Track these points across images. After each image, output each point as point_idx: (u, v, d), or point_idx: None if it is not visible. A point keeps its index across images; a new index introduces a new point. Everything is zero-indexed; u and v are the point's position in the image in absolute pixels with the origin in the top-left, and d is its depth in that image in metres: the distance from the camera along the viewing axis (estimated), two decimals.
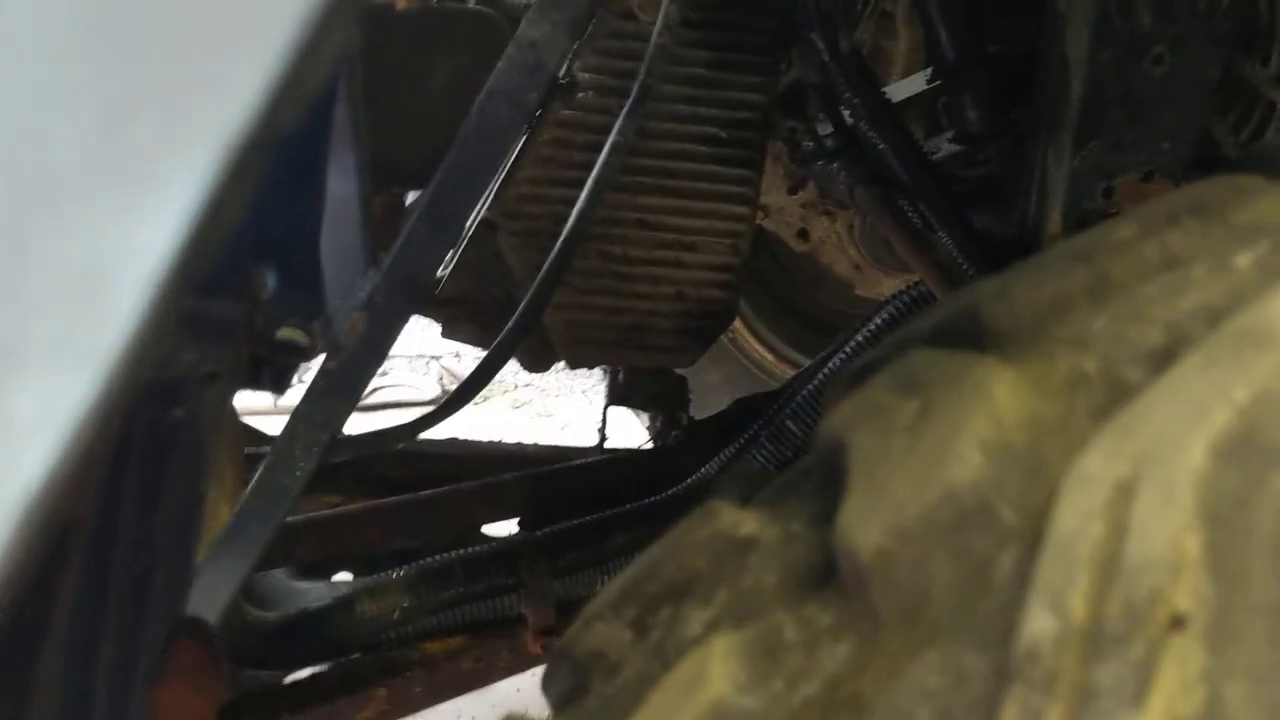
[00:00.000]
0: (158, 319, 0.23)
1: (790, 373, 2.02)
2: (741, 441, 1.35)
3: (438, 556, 1.25)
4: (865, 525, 0.34)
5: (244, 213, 0.24)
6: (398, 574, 1.22)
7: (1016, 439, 0.34)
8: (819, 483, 0.41)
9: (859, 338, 1.30)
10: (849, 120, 1.24)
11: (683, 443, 1.42)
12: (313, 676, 1.23)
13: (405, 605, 1.20)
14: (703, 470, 1.36)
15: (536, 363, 1.47)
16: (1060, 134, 1.01)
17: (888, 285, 1.89)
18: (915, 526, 0.33)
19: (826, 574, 0.37)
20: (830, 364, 1.31)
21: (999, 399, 0.35)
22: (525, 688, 1.92)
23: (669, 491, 1.35)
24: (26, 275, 0.23)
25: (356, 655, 1.22)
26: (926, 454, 0.35)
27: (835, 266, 1.93)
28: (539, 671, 1.30)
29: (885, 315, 1.29)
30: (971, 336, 0.41)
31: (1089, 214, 1.03)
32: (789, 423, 1.30)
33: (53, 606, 0.42)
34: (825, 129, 1.35)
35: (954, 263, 1.14)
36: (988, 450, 0.34)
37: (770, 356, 2.14)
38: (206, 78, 0.23)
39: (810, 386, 1.31)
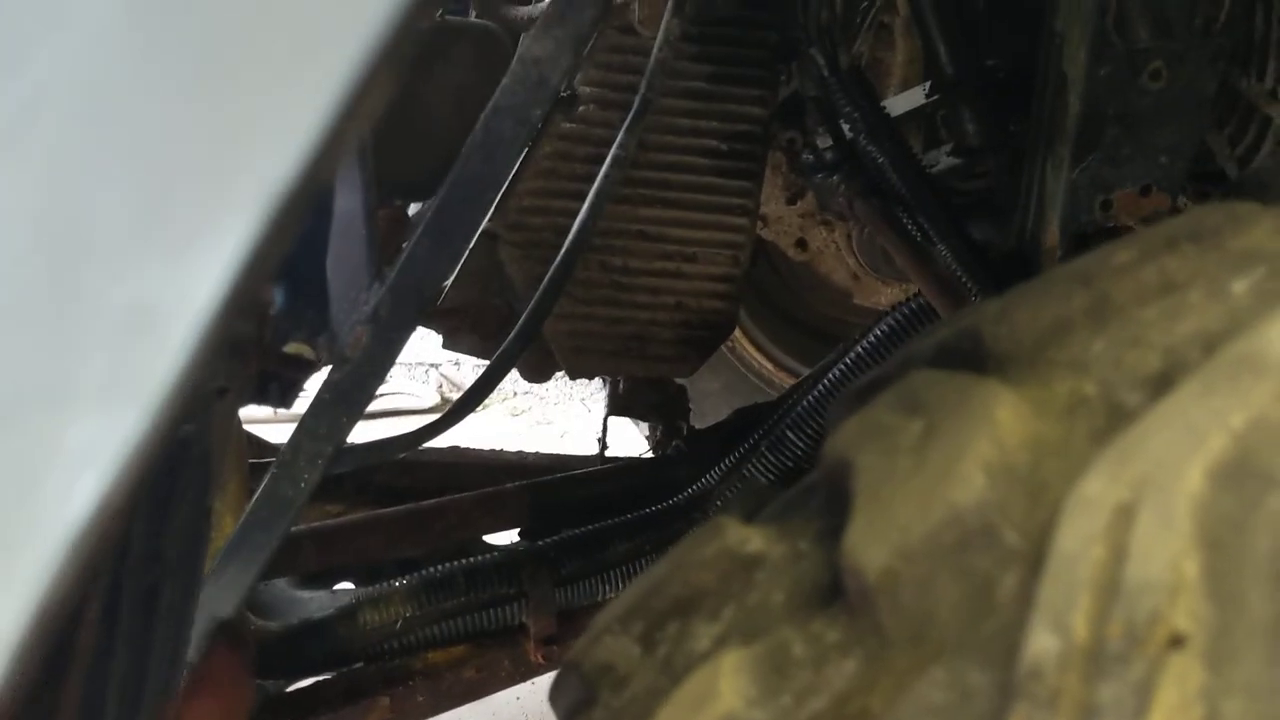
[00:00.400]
0: (205, 358, 0.24)
1: (789, 381, 2.02)
2: (741, 451, 1.36)
3: (440, 566, 1.26)
4: (871, 545, 0.35)
5: (286, 253, 0.25)
6: (400, 584, 1.23)
7: (1018, 461, 0.35)
8: (824, 501, 0.42)
9: (859, 349, 1.31)
10: (848, 134, 1.25)
11: (683, 452, 1.43)
12: (316, 686, 1.23)
13: (407, 615, 1.21)
14: (703, 480, 1.37)
15: (537, 373, 1.48)
16: (1058, 148, 1.02)
17: (886, 294, 1.90)
18: (920, 547, 0.34)
19: (833, 591, 0.38)
20: (830, 375, 1.32)
21: (1001, 421, 0.36)
22: (524, 696, 1.93)
23: (670, 501, 1.35)
24: (81, 314, 0.24)
25: (359, 665, 1.23)
26: (931, 475, 0.36)
27: (833, 276, 1.94)
28: (538, 681, 1.31)
29: (885, 327, 1.30)
30: (973, 358, 0.42)
31: (1087, 227, 1.04)
32: (789, 432, 1.31)
33: (79, 630, 0.43)
34: (824, 141, 1.36)
35: (953, 275, 1.15)
36: (990, 472, 0.35)
37: (769, 365, 2.15)
38: (259, 128, 0.24)
39: (810, 397, 1.32)
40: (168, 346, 0.24)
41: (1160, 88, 0.99)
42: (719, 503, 1.32)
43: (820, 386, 1.32)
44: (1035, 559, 0.32)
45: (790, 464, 1.29)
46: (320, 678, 1.24)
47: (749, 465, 1.33)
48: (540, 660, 1.25)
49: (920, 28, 1.23)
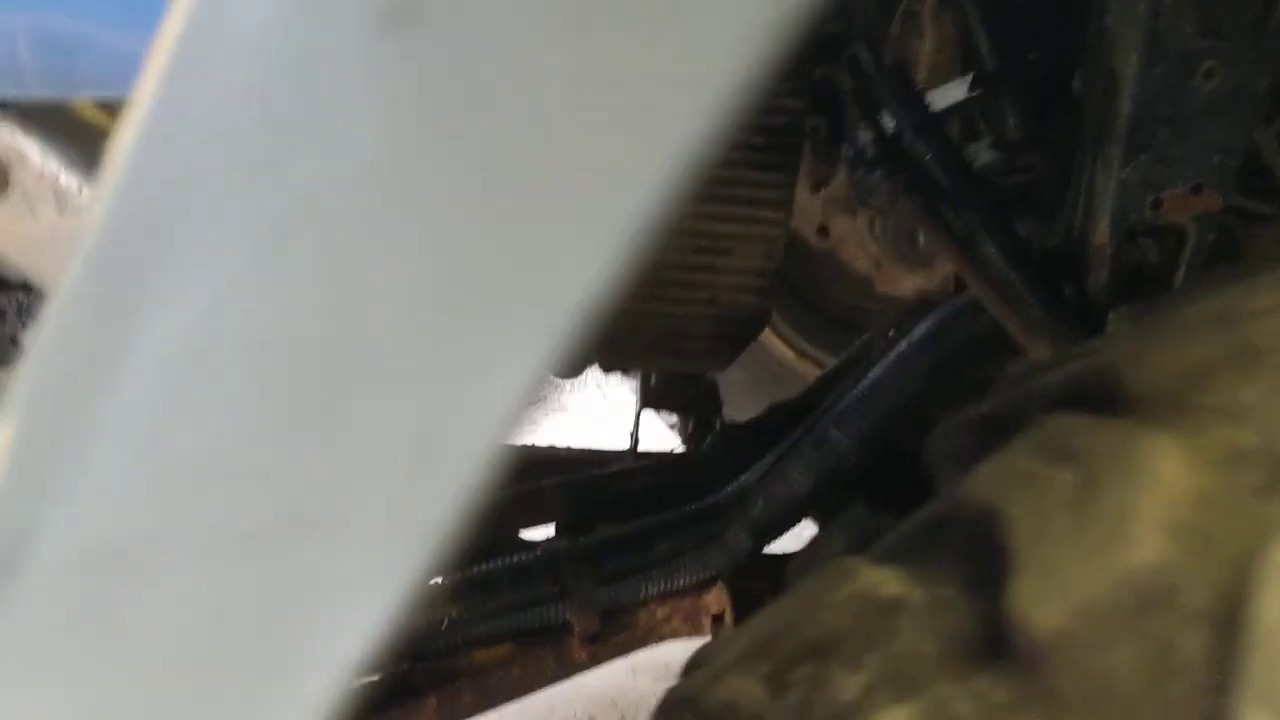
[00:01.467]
0: (476, 489, 0.24)
1: (811, 370, 2.02)
2: (784, 449, 1.35)
3: (483, 565, 1.25)
4: (1043, 604, 0.35)
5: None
6: (443, 582, 1.23)
7: (1187, 517, 0.35)
8: (964, 547, 0.42)
9: (903, 347, 1.30)
10: (891, 129, 1.24)
11: (719, 448, 1.43)
12: (363, 686, 1.23)
13: (454, 614, 1.21)
14: (743, 478, 1.36)
15: (570, 368, 1.48)
16: (1108, 147, 1.02)
17: (909, 282, 1.90)
18: (1096, 608, 0.34)
19: (988, 645, 0.38)
20: (874, 372, 1.31)
21: (1165, 476, 0.36)
22: (554, 695, 1.93)
23: (710, 499, 1.35)
24: (359, 444, 0.24)
25: (405, 665, 1.23)
26: (1101, 533, 0.35)
27: (856, 263, 1.94)
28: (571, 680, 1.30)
29: (932, 323, 1.29)
30: (1109, 399, 0.42)
31: (1136, 226, 1.04)
32: (832, 429, 1.30)
33: None
34: (862, 135, 1.34)
35: (1000, 272, 1.15)
36: (1163, 530, 0.35)
37: (791, 354, 2.15)
38: (545, 266, 0.24)
39: (855, 393, 1.31)
40: (447, 481, 0.24)
41: (1212, 87, 0.98)
42: (760, 500, 1.31)
43: (864, 383, 1.31)
44: (1221, 620, 0.32)
45: (833, 463, 1.29)
46: (367, 678, 1.24)
47: (790, 463, 1.32)
48: (584, 658, 1.26)
49: (961, 21, 1.23)
